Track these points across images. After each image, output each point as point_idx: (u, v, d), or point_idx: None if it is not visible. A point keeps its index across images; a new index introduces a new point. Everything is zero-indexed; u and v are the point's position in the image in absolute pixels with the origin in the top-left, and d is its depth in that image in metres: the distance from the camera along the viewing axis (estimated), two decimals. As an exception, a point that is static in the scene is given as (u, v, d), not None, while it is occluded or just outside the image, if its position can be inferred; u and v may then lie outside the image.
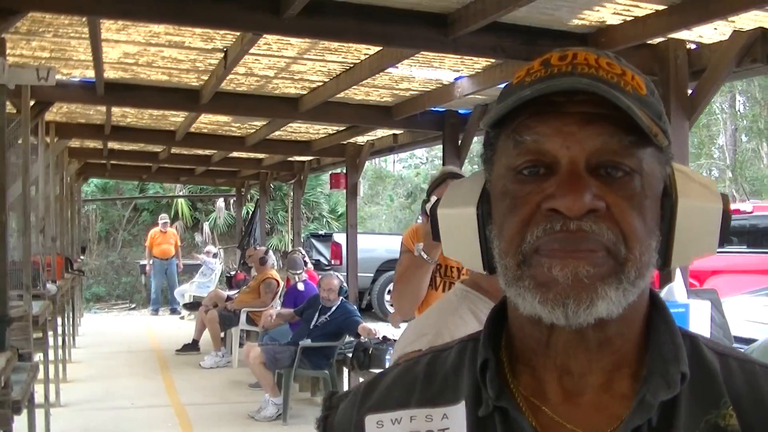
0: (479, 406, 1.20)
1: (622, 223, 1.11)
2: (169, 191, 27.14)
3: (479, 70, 7.49)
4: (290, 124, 11.32)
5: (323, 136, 12.62)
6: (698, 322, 4.86)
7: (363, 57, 7.15)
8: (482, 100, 8.81)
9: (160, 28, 6.47)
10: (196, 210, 27.48)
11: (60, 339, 11.57)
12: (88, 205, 25.58)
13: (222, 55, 7.18)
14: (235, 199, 24.05)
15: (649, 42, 6.05)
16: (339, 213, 29.13)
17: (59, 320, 11.42)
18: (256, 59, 7.44)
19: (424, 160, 42.39)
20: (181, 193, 26.96)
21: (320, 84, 8.43)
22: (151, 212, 26.50)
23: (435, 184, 4.72)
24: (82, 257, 17.85)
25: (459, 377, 1.28)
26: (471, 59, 7.10)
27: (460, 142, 9.53)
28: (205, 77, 8.30)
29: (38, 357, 7.93)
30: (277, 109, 9.48)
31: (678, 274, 5.18)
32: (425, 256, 4.35)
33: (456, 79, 7.90)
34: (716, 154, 33.04)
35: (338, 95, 8.58)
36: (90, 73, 8.27)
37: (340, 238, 19.04)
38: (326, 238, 20.88)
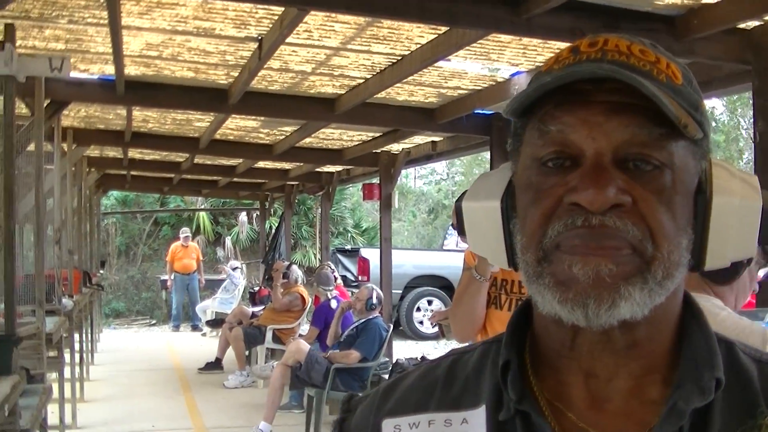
0: (501, 410, 1.16)
1: (650, 219, 1.06)
2: (190, 205, 26.77)
3: (541, 64, 6.75)
4: (322, 131, 10.64)
5: (357, 143, 11.94)
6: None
7: (414, 47, 6.41)
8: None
9: (188, 10, 5.76)
10: (217, 224, 27.10)
11: (77, 356, 11.01)
12: (107, 218, 25.25)
13: (256, 45, 6.46)
14: (257, 213, 23.63)
15: (741, 27, 5.32)
16: (363, 228, 29.02)
17: (77, 336, 10.94)
18: (293, 50, 6.72)
19: (445, 176, 42.14)
20: (202, 207, 26.51)
21: (361, 81, 7.71)
22: (172, 226, 26.13)
23: None
24: (101, 272, 17.50)
25: (481, 380, 1.23)
26: (534, 50, 6.38)
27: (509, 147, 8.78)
28: (235, 73, 7.60)
29: (54, 375, 7.72)
30: (311, 111, 8.75)
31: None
32: (475, 274, 3.97)
33: (512, 75, 7.18)
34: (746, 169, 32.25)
35: (379, 95, 7.90)
36: (109, 69, 7.64)
37: (367, 253, 18.82)
38: (353, 253, 20.42)
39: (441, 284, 18.50)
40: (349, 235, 28.01)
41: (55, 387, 7.79)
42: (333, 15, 5.69)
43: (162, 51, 6.94)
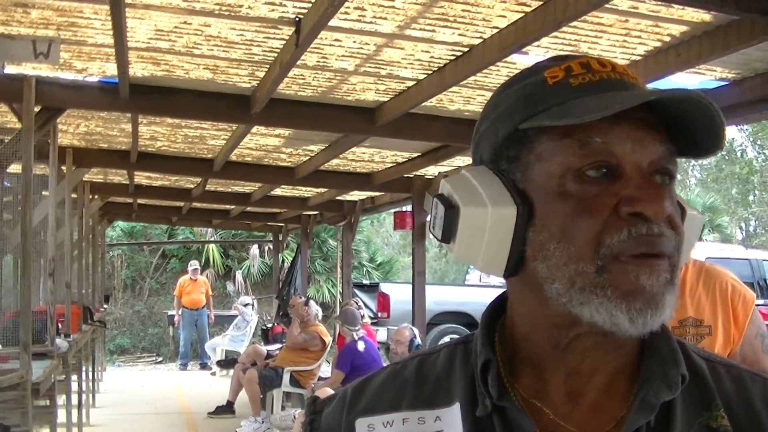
0: (475, 408, 1.19)
1: (678, 228, 1.14)
2: (199, 237, 25.84)
3: (639, 57, 5.55)
4: (353, 150, 9.52)
5: (389, 165, 10.84)
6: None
7: (489, 33, 5.18)
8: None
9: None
10: (227, 257, 26.14)
11: (76, 397, 10.02)
12: (113, 250, 24.36)
13: (292, 29, 5.24)
14: (270, 246, 23.04)
15: None
16: (378, 262, 28.39)
17: (74, 377, 10.00)
18: (336, 39, 5.52)
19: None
20: (212, 239, 25.57)
21: (412, 83, 6.50)
22: (180, 259, 25.32)
23: None
24: (105, 306, 16.61)
25: (451, 379, 1.27)
26: (637, 37, 5.18)
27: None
28: (261, 73, 6.43)
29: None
30: (348, 122, 7.54)
31: None
32: None
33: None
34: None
35: (428, 103, 6.78)
36: (111, 69, 6.45)
37: (387, 288, 17.95)
38: (371, 288, 19.25)
39: (464, 321, 17.40)
40: (365, 269, 26.99)
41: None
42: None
43: (174, 41, 5.76)
